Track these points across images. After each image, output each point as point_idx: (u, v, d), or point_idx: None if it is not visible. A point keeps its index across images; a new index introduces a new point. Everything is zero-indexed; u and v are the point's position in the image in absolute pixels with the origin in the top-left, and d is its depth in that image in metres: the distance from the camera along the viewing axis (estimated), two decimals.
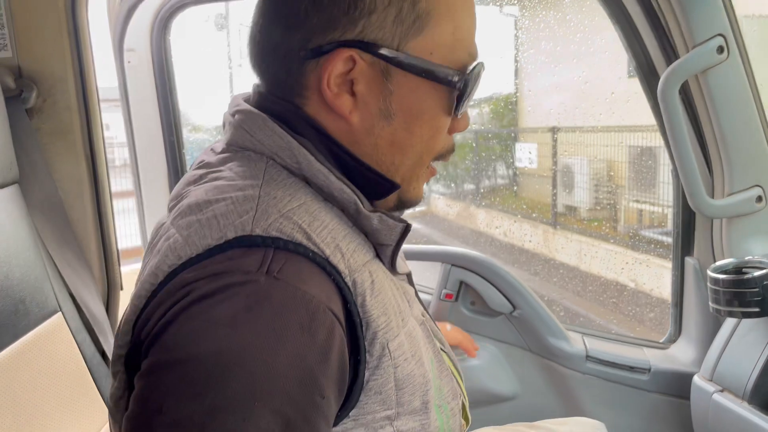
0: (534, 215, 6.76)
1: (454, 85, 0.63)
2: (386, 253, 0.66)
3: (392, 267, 0.68)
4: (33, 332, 1.08)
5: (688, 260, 1.47)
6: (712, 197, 1.30)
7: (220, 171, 0.63)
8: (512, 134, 7.69)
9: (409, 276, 0.78)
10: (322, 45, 0.61)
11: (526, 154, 7.21)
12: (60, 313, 1.18)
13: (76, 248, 1.33)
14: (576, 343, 1.55)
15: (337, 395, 0.56)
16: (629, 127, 5.82)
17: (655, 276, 5.18)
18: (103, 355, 1.32)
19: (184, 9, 1.66)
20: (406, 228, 0.65)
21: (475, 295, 1.61)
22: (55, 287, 1.19)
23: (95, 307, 1.32)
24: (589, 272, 5.70)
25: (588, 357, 1.51)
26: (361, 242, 0.63)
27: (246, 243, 0.55)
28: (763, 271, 1.11)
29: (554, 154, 6.69)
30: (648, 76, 1.36)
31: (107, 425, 1.24)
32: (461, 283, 1.59)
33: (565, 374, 1.53)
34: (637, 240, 5.73)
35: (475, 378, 1.54)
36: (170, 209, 0.65)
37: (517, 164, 7.43)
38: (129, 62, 1.67)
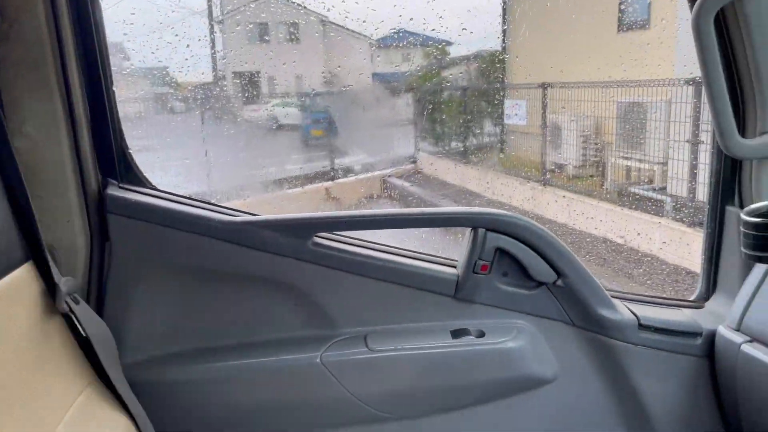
0: (523, 173, 6.69)
1: None
2: None
3: None
4: None
5: (730, 209, 1.37)
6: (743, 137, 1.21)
7: None
8: (500, 91, 7.56)
9: None
10: None
11: (515, 111, 7.11)
12: (30, 262, 1.07)
13: (53, 193, 1.21)
14: (623, 310, 1.38)
15: None
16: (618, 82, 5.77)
17: (643, 232, 5.16)
18: (100, 311, 1.22)
19: None
20: None
21: (509, 264, 1.37)
22: (24, 235, 1.07)
23: (74, 256, 1.21)
24: (577, 229, 5.67)
25: (641, 326, 1.35)
26: None
27: None
28: None
29: (544, 111, 6.59)
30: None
31: (88, 389, 1.13)
32: (496, 250, 1.34)
33: (613, 347, 1.36)
34: (626, 196, 5.71)
35: (511, 363, 1.35)
36: None
37: (506, 121, 7.33)
38: None
